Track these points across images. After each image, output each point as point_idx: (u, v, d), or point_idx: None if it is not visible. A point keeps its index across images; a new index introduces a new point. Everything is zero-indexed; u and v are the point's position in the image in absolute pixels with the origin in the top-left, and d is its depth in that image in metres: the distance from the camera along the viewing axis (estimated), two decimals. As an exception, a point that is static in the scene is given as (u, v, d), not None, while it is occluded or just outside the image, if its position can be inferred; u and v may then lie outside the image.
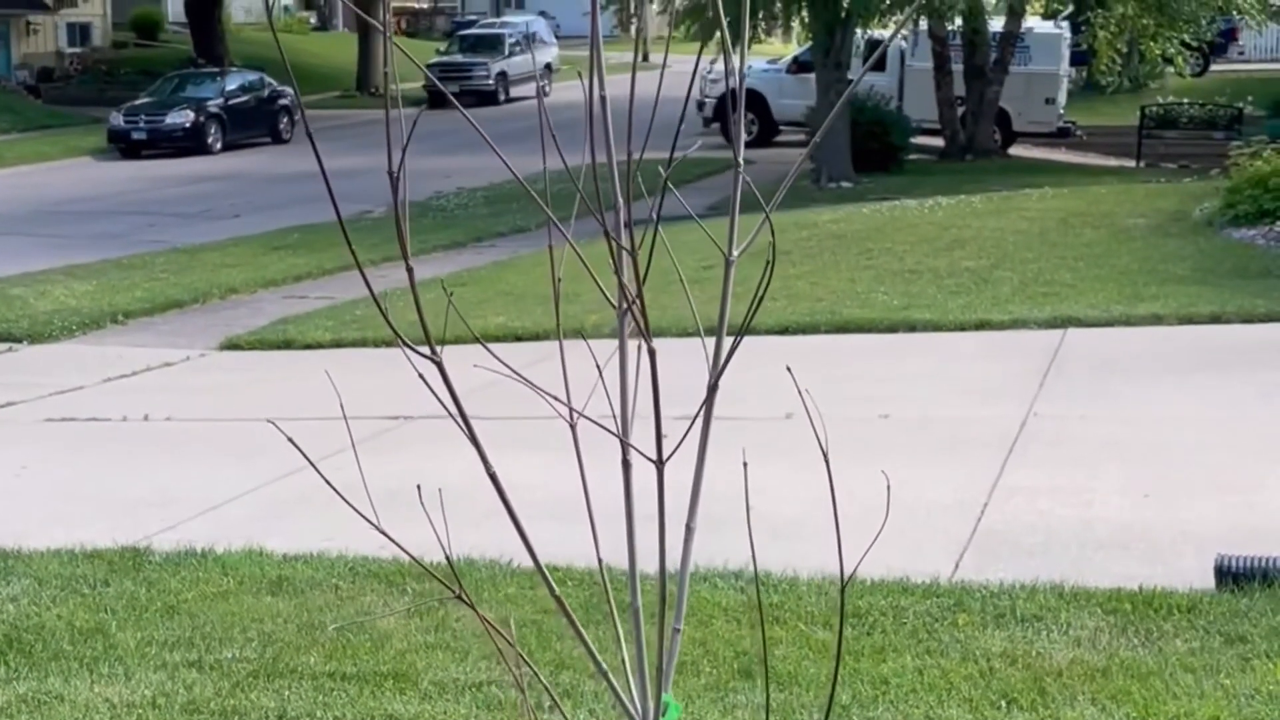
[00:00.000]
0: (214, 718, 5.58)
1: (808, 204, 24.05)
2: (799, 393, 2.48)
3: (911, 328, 13.67)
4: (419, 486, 2.46)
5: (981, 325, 13.52)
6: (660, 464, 1.85)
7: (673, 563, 2.14)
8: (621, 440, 1.90)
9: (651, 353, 1.77)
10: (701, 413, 1.84)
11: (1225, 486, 8.45)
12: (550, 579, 1.92)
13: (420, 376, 2.39)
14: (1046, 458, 9.42)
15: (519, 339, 13.47)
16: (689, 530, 1.82)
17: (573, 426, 2.08)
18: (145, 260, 21.14)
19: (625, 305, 1.84)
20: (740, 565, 7.48)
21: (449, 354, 2.36)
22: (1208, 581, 6.79)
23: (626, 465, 1.93)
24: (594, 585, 7.09)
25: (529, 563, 7.73)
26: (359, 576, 7.71)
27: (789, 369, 2.62)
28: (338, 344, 14.67)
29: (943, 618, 6.70)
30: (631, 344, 2.12)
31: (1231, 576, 6.67)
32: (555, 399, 2.05)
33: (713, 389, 1.87)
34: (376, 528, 2.43)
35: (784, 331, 13.50)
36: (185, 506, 9.23)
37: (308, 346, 14.60)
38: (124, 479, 10.09)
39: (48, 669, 6.20)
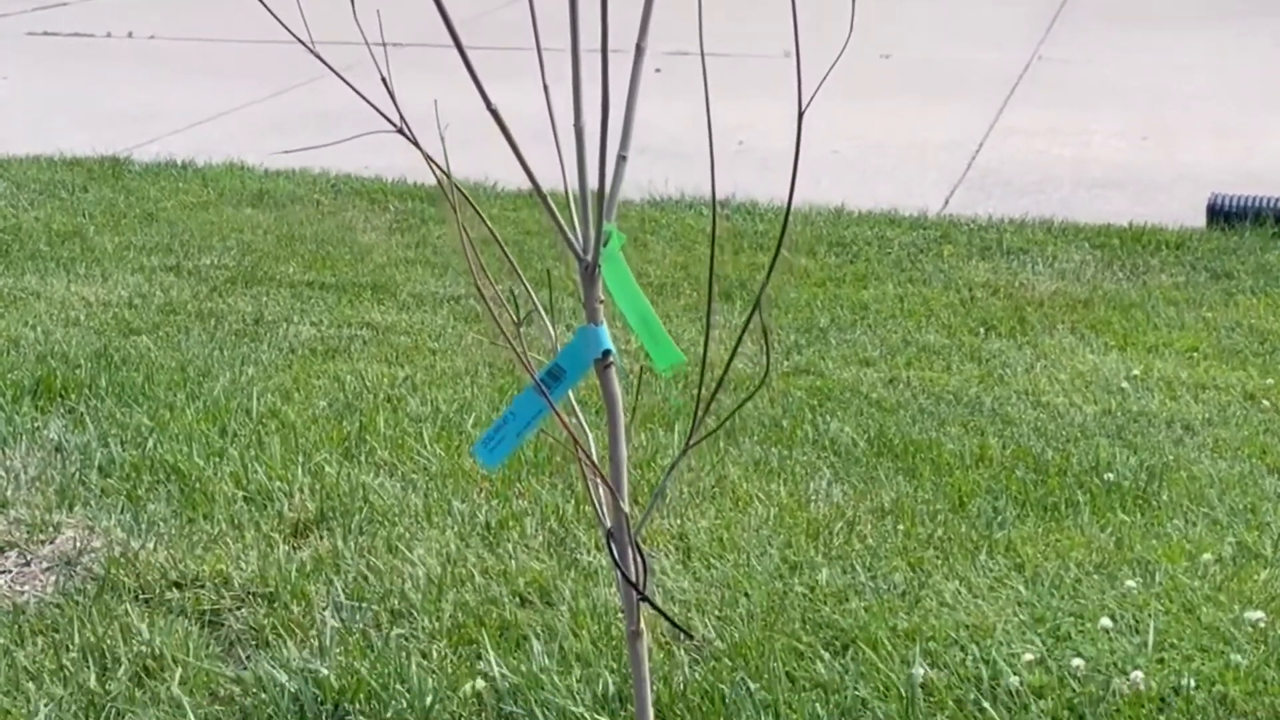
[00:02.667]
0: (191, 319, 5.55)
1: None
2: (794, 30, 2.30)
3: (920, -32, 13.27)
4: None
5: (992, -32, 13.12)
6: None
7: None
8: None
9: None
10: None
11: (1226, 131, 8.30)
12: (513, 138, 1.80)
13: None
14: (1047, 100, 9.23)
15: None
16: (639, 50, 1.69)
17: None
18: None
19: None
20: (724, 195, 7.39)
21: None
22: (1199, 221, 6.72)
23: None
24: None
25: (512, 185, 7.67)
26: (341, 193, 7.62)
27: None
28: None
29: (928, 249, 6.65)
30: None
31: (1223, 215, 6.59)
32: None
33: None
34: (382, 113, 2.26)
35: (787, -32, 13.08)
36: (167, 121, 9.08)
37: (297, -31, 14.14)
38: (105, 93, 9.90)
39: (24, 268, 6.16)
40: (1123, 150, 8.11)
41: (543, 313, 1.72)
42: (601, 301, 1.62)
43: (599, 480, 1.58)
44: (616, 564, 1.61)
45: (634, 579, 1.62)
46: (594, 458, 1.59)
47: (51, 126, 8.89)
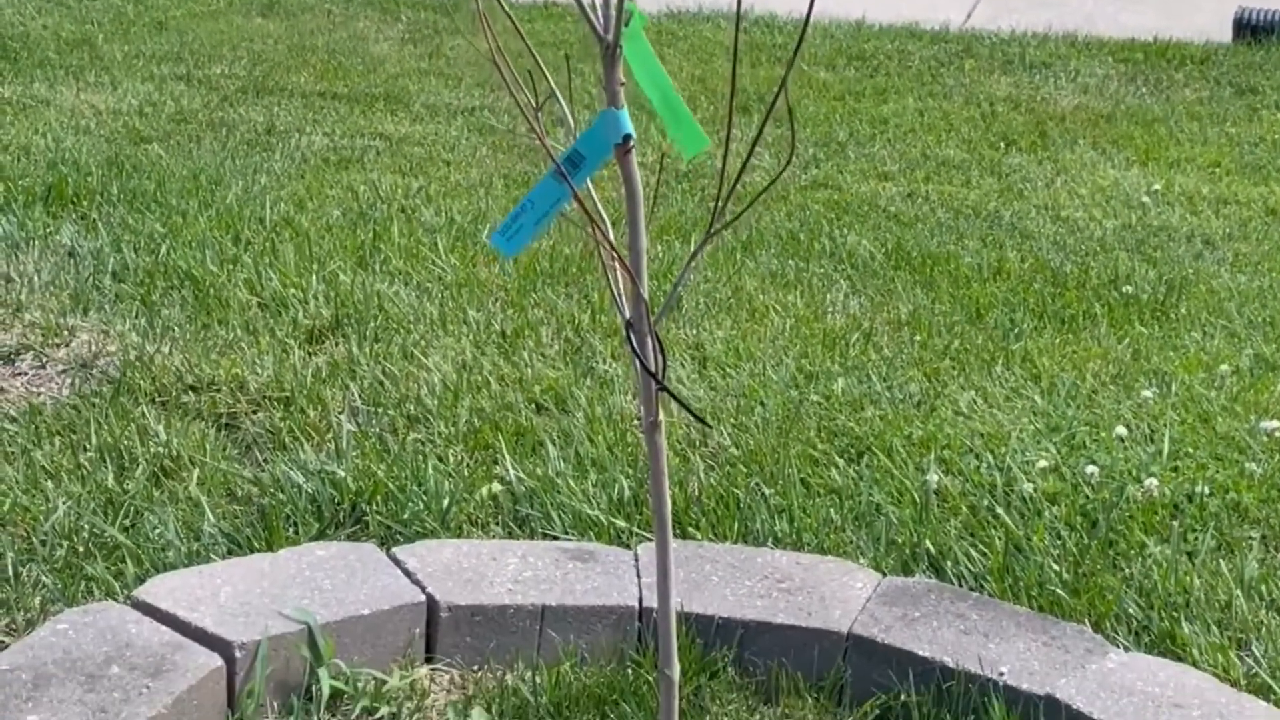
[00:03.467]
0: (202, 128, 5.49)
1: None
2: None
3: None
4: None
5: None
6: None
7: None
8: None
9: None
10: None
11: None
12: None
13: None
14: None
15: None
16: None
17: None
18: None
19: None
20: (743, 7, 7.27)
21: None
22: (1225, 35, 6.60)
23: None
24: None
25: (529, -4, 7.52)
26: (352, 3, 7.51)
27: None
28: None
29: (949, 63, 6.54)
30: None
31: (1250, 29, 6.48)
32: None
33: None
34: None
35: None
36: (175, -71, 8.91)
37: None
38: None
39: (33, 75, 6.09)
40: (1150, -37, 7.94)
41: (560, 96, 1.68)
42: (623, 84, 1.58)
43: (618, 265, 1.56)
44: (635, 353, 1.59)
45: (653, 369, 1.60)
46: (613, 243, 1.57)
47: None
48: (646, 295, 1.58)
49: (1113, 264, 4.27)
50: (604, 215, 1.67)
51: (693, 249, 4.35)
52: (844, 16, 7.22)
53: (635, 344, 1.62)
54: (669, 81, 1.56)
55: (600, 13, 1.62)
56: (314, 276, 3.96)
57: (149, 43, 6.65)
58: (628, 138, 1.58)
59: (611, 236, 1.64)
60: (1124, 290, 4.04)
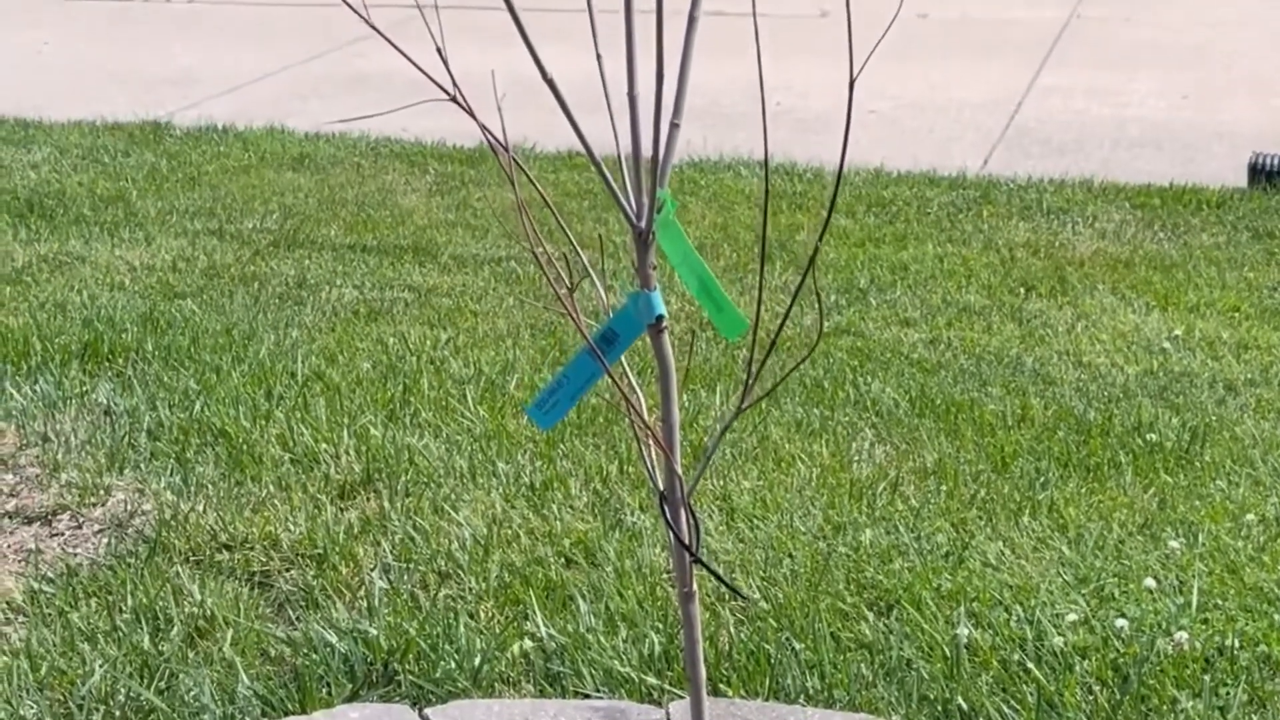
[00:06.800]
0: (234, 282, 5.59)
1: None
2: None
3: (958, -74, 13.16)
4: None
5: (1030, -75, 13.00)
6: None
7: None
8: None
9: None
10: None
11: (1268, 88, 8.24)
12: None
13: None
14: (1086, 59, 9.18)
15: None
16: (692, 20, 1.70)
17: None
18: None
19: None
20: (762, 155, 7.39)
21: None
22: (1241, 180, 6.68)
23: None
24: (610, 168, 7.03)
25: (550, 147, 7.67)
26: (381, 156, 7.65)
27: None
28: (363, -70, 14.22)
29: (967, 209, 6.63)
30: None
31: (1265, 174, 6.56)
32: None
33: None
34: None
35: (824, -74, 13.00)
36: (207, 86, 9.12)
37: (332, -68, 14.15)
38: (145, 58, 9.94)
39: (69, 233, 6.21)
40: (1163, 109, 8.07)
41: (596, 278, 1.74)
42: (654, 268, 1.64)
43: (652, 443, 1.60)
44: (670, 526, 1.63)
45: (686, 541, 1.64)
46: (646, 420, 1.61)
47: (92, 91, 8.94)
48: (679, 469, 1.62)
49: (1136, 411, 4.30)
50: (638, 390, 1.71)
51: (718, 404, 4.40)
52: (862, 163, 7.33)
53: (669, 516, 1.66)
54: (705, 266, 1.62)
55: (632, 199, 1.68)
56: (345, 431, 4.02)
57: (182, 198, 6.78)
58: (660, 318, 1.63)
59: (645, 412, 1.68)
60: (1148, 438, 4.06)
